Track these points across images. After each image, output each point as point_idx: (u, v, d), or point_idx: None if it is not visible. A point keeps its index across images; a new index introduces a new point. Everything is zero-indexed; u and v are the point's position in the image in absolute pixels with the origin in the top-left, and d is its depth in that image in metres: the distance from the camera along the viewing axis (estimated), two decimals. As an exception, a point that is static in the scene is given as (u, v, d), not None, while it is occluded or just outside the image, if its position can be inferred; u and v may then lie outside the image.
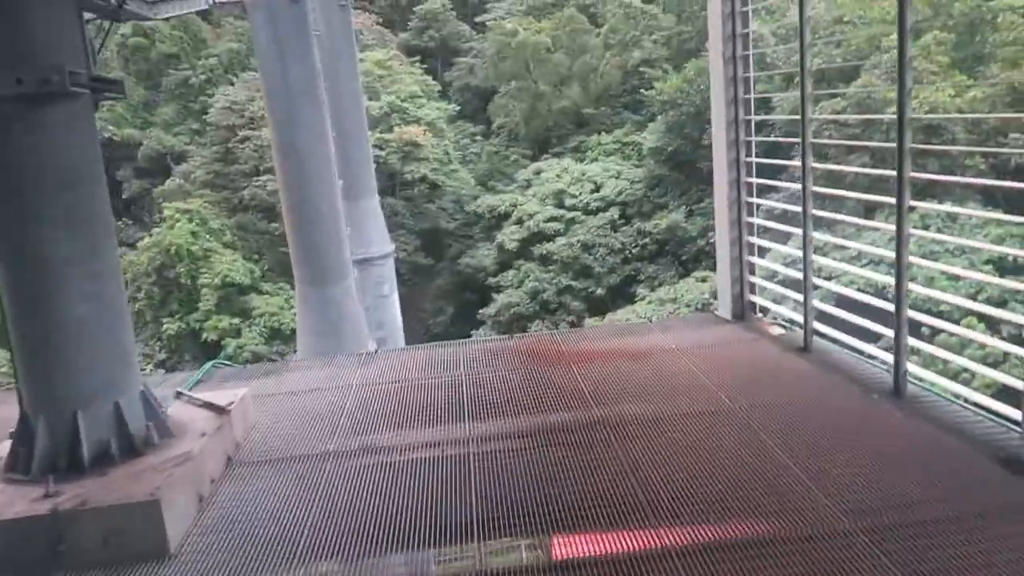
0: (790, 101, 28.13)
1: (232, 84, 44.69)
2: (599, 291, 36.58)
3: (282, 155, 16.89)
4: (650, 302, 30.99)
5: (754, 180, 9.60)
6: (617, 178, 41.92)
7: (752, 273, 9.76)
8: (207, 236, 37.66)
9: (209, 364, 9.85)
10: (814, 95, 9.00)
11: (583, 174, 42.65)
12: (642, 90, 43.12)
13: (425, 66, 55.02)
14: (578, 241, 38.14)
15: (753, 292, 9.83)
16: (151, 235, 38.06)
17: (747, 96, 9.55)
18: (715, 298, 29.71)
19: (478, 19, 64.58)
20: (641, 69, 45.46)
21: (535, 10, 57.97)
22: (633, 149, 45.51)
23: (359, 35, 53.64)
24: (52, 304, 5.59)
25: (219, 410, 6.77)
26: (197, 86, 47.71)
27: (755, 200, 9.64)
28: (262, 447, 6.84)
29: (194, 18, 50.90)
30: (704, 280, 31.35)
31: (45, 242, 5.54)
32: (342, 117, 24.45)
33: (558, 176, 43.75)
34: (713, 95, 9.88)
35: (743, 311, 9.83)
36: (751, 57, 9.49)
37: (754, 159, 9.60)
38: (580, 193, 41.35)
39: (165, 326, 36.26)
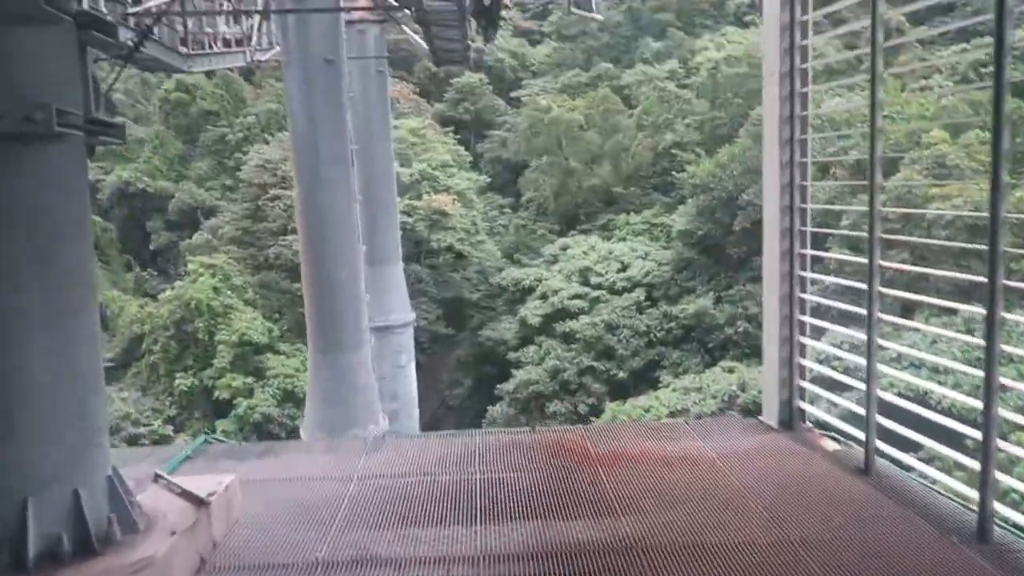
0: (824, 191, 27.47)
1: (267, 143, 45.11)
2: (621, 374, 35.51)
3: (306, 216, 16.41)
4: (674, 390, 29.87)
5: (808, 274, 8.78)
6: (644, 259, 41.29)
7: (803, 377, 8.85)
8: (229, 292, 37.30)
9: (201, 439, 9.04)
10: (876, 186, 8.26)
11: (610, 253, 42.10)
12: (673, 172, 42.87)
13: (458, 137, 55.55)
14: (602, 321, 37.29)
15: (803, 398, 8.89)
16: (173, 288, 37.77)
17: (803, 183, 8.82)
18: (743, 391, 28.68)
19: (513, 94, 65.59)
20: (673, 151, 45.37)
21: (569, 88, 58.75)
22: (662, 231, 45.05)
23: (395, 103, 54.40)
24: (8, 367, 4.82)
25: (197, 501, 5.91)
26: (233, 143, 48.31)
27: (809, 297, 8.80)
28: (244, 549, 5.94)
29: (236, 77, 52.00)
30: (731, 371, 30.26)
31: (10, 297, 4.81)
32: (372, 182, 24.17)
33: (585, 253, 43.24)
34: (766, 180, 9.17)
35: (791, 419, 8.88)
36: (809, 141, 8.81)
37: (809, 251, 8.82)
38: (606, 272, 40.71)
39: (178, 381, 35.57)
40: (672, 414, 28.17)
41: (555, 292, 41.00)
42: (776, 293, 9.04)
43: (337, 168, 16.07)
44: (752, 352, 33.33)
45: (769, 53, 9.08)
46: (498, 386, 37.71)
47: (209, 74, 51.76)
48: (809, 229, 8.87)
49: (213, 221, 43.73)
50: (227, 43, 18.69)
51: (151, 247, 47.93)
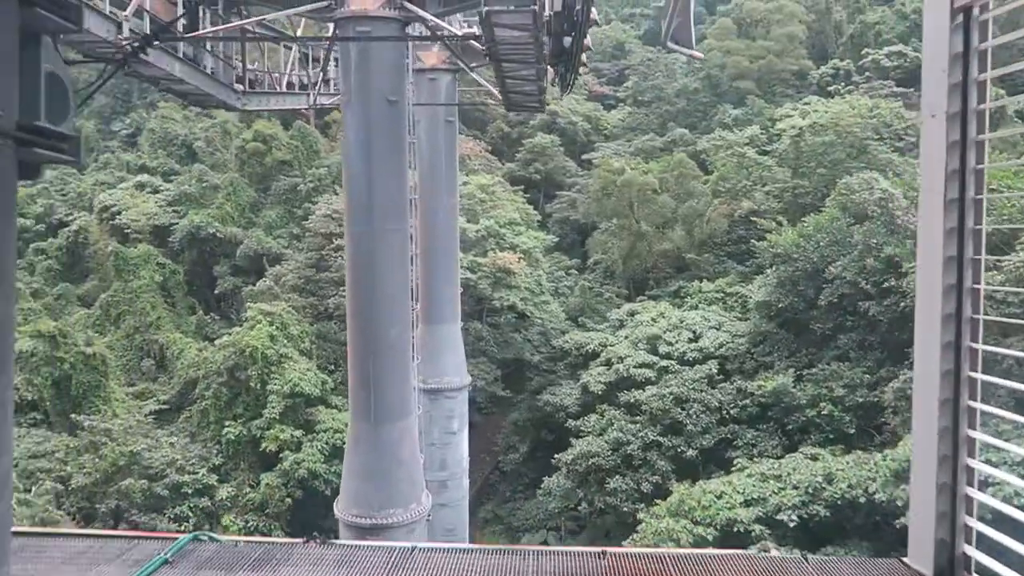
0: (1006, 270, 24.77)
1: (336, 194, 44.61)
2: (690, 452, 32.68)
3: (355, 267, 14.85)
4: (749, 475, 26.94)
5: (982, 376, 6.56)
6: (718, 329, 38.68)
7: (970, 512, 6.54)
8: (285, 341, 36.21)
9: (189, 536, 7.23)
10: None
11: (681, 321, 39.63)
12: (753, 240, 40.42)
13: (528, 196, 54.41)
14: (670, 393, 34.67)
15: (971, 541, 6.56)
16: (231, 333, 36.93)
17: (977, 256, 6.67)
18: (829, 483, 25.66)
19: (585, 156, 64.47)
20: (752, 219, 43.01)
21: (643, 152, 57.24)
22: (737, 300, 42.45)
23: (466, 160, 53.74)
24: None
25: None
26: (304, 193, 48.13)
27: (983, 407, 6.56)
28: None
29: (311, 129, 52.21)
30: (815, 459, 27.22)
31: None
32: (433, 235, 22.72)
33: (653, 320, 40.86)
34: (921, 251, 7.01)
35: (952, 567, 6.54)
36: (985, 203, 6.70)
37: (982, 346, 6.61)
38: (676, 341, 38.20)
39: (227, 430, 34.36)
40: (747, 503, 25.31)
41: (620, 359, 38.61)
42: (934, 397, 6.83)
43: (393, 216, 14.48)
44: (837, 438, 30.24)
45: (931, 87, 7.09)
46: (556, 455, 35.25)
47: (287, 125, 52.21)
48: (983, 317, 6.71)
49: (277, 268, 43.14)
50: (291, 86, 17.68)
51: (216, 291, 47.64)
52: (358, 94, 14.12)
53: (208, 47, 14.08)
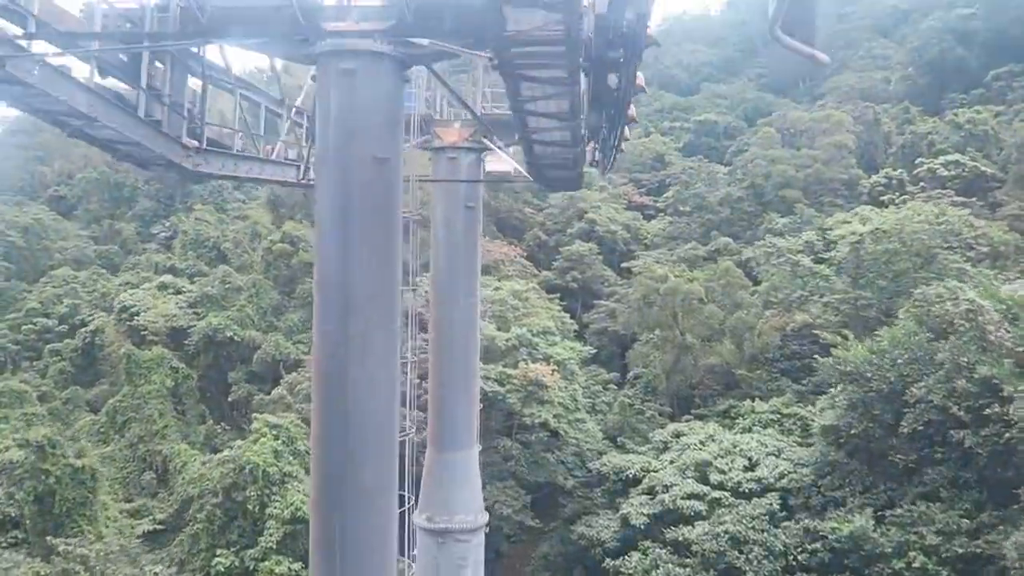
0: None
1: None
2: (752, 607, 27.01)
3: (321, 384, 10.83)
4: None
5: None
6: (777, 456, 33.43)
7: None
8: (290, 458, 31.90)
9: None
10: None
11: (734, 446, 34.50)
12: (816, 356, 35.57)
13: (564, 304, 50.51)
14: (725, 531, 29.26)
15: None
16: (231, 448, 32.80)
17: None
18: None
19: (624, 265, 60.87)
20: (815, 332, 38.33)
21: (685, 261, 53.43)
22: (796, 423, 37.24)
23: (500, 265, 50.39)
24: None
25: None
26: (328, 297, 44.85)
27: None
28: None
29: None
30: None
31: None
32: (448, 342, 18.67)
33: (702, 444, 35.75)
34: None
35: None
36: None
37: None
38: (729, 469, 32.99)
39: (217, 560, 29.69)
40: None
41: (666, 488, 33.40)
42: None
43: (377, 310, 10.58)
44: (936, 600, 24.44)
45: None
46: (592, 603, 29.72)
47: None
48: None
49: (293, 376, 39.30)
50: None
51: (229, 399, 43.86)
52: (336, 148, 10.50)
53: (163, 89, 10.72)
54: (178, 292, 47.79)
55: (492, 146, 18.22)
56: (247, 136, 13.64)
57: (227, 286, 46.09)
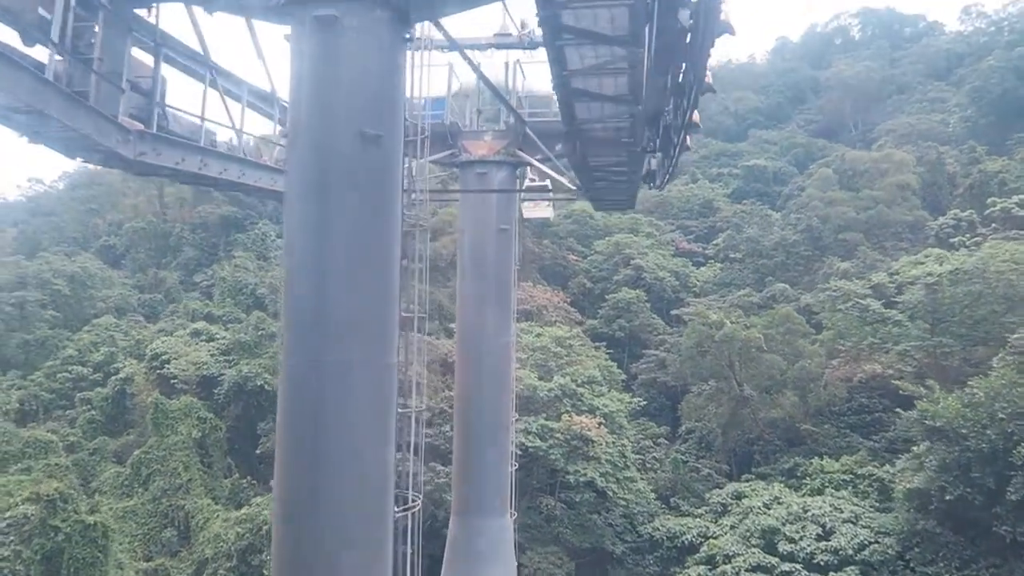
0: None
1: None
2: None
3: (287, 436, 7.91)
4: None
5: None
6: (855, 524, 29.17)
7: None
8: (313, 517, 28.68)
9: None
10: None
11: (804, 510, 30.34)
12: (895, 410, 31.43)
13: (610, 353, 46.98)
14: (800, 613, 25.12)
15: None
16: (251, 505, 29.90)
17: None
18: None
19: (674, 312, 57.21)
20: (888, 383, 34.17)
21: (739, 308, 49.57)
22: (872, 485, 32.86)
23: (543, 311, 47.29)
24: None
25: None
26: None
27: None
28: None
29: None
30: None
31: None
32: (476, 390, 15.62)
33: (767, 507, 31.65)
34: None
35: None
36: None
37: None
38: (800, 537, 28.83)
39: (229, 630, 26.49)
40: None
41: (727, 558, 29.36)
42: None
43: (365, 337, 7.71)
44: None
45: None
46: None
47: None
48: None
49: (322, 427, 36.39)
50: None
51: (258, 451, 41.07)
52: (311, 123, 7.76)
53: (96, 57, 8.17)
54: (211, 339, 45.74)
55: (528, 159, 15.41)
56: (237, 136, 11.07)
57: (260, 332, 43.86)
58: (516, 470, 16.80)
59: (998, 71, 69.11)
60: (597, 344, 47.01)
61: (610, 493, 33.87)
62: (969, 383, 27.32)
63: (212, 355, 43.89)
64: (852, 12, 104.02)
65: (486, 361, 15.59)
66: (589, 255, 65.77)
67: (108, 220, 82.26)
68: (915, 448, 29.28)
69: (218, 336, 45.80)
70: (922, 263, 38.77)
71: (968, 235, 48.94)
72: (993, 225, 49.26)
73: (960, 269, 33.84)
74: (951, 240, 49.32)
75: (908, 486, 27.93)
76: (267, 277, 54.95)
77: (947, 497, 25.44)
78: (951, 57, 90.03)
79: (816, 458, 35.71)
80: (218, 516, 35.51)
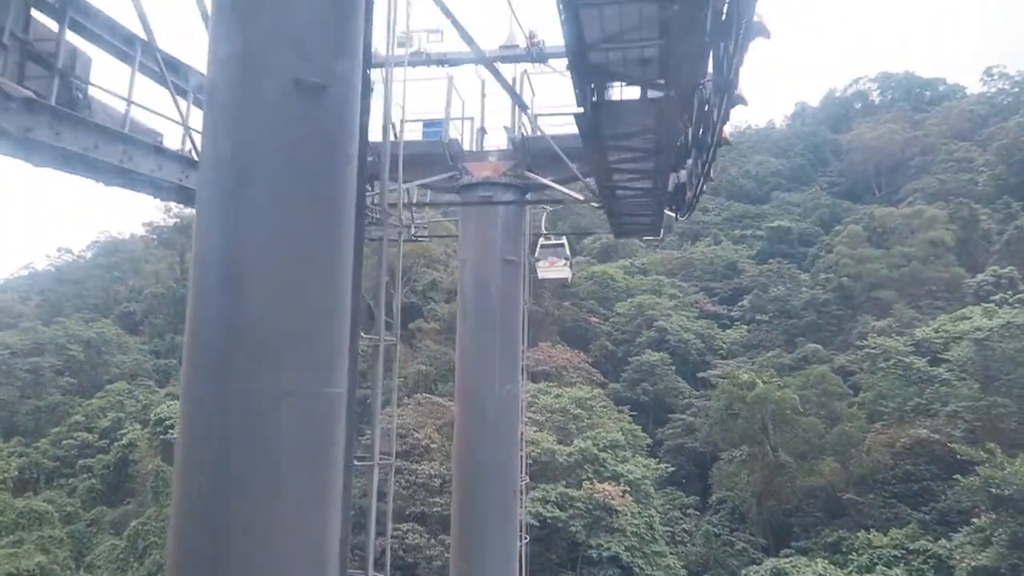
0: None
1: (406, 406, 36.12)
2: None
3: (186, 498, 5.68)
4: None
5: None
6: (913, 607, 25.72)
7: None
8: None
9: None
10: None
11: (854, 591, 26.94)
12: (956, 477, 28.27)
13: (634, 413, 44.14)
14: None
15: None
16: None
17: None
18: None
19: (701, 374, 54.34)
20: (937, 447, 31.05)
21: (770, 368, 46.69)
22: (928, 562, 29.33)
23: (563, 372, 44.76)
24: None
25: None
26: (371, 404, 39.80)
27: None
28: None
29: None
30: None
31: None
32: (477, 447, 13.24)
33: (812, 586, 28.28)
34: None
35: None
36: None
37: None
38: (852, 622, 25.39)
39: None
40: None
41: (770, 645, 25.93)
42: None
43: (306, 362, 5.57)
44: None
45: None
46: None
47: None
48: None
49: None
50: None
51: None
52: (231, 61, 5.82)
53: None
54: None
55: (539, 179, 13.44)
56: (186, 132, 9.14)
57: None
58: (526, 543, 14.24)
59: (1026, 128, 67.38)
60: (620, 408, 44.20)
61: (636, 569, 30.60)
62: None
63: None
64: (871, 77, 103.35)
65: (489, 413, 13.26)
66: (611, 317, 63.49)
67: (129, 286, 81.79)
68: (977, 520, 26.03)
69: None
70: (968, 317, 35.93)
71: (1010, 292, 46.10)
72: (1034, 283, 46.46)
73: (1012, 323, 31.03)
74: (991, 298, 46.46)
75: (972, 563, 24.64)
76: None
77: (1022, 576, 22.20)
78: (974, 119, 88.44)
79: (862, 531, 32.28)
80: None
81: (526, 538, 14.31)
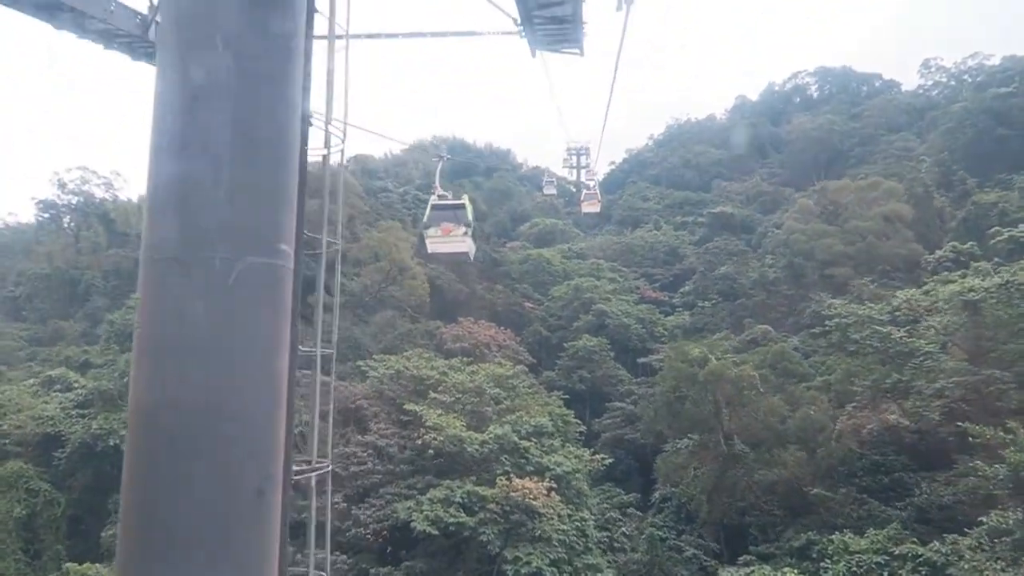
0: None
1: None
2: None
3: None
4: None
5: None
6: (916, 632, 19.21)
7: None
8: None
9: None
10: None
11: (838, 611, 20.34)
12: (978, 462, 21.96)
13: (567, 397, 37.20)
14: None
15: None
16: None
17: None
18: None
19: (642, 360, 48.02)
20: (960, 424, 24.86)
21: (719, 345, 40.43)
22: (920, 571, 22.99)
23: (485, 348, 37.53)
24: None
25: None
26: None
27: None
28: None
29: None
30: None
31: None
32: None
33: (782, 604, 21.60)
34: None
35: None
36: None
37: None
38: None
39: None
40: None
41: None
42: None
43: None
44: None
45: None
46: None
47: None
48: None
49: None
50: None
51: (111, 532, 29.98)
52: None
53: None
54: (68, 389, 34.95)
55: None
56: None
57: (125, 379, 33.26)
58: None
59: (971, 113, 63.62)
60: (552, 393, 37.21)
61: (565, 587, 23.46)
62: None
63: (64, 408, 33.08)
64: (810, 71, 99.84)
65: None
66: (546, 302, 56.85)
67: (18, 269, 71.55)
68: (987, 519, 19.73)
69: (77, 385, 35.04)
70: (952, 281, 30.11)
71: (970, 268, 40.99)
72: (995, 260, 41.47)
73: (1012, 281, 25.08)
74: (951, 275, 41.28)
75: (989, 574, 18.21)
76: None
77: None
78: (912, 111, 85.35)
79: (837, 533, 25.86)
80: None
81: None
